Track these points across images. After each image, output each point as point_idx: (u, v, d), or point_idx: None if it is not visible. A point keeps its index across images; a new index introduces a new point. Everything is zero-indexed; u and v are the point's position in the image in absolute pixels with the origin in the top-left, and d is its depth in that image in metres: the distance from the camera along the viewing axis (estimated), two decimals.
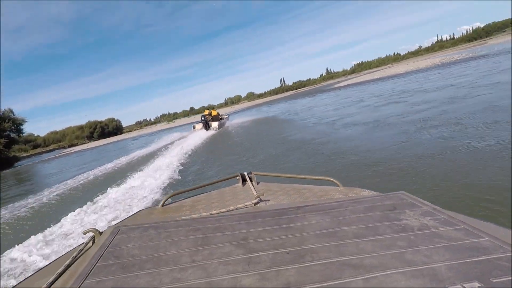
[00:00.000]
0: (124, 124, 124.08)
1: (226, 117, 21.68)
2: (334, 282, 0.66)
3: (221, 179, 1.86)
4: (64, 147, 68.25)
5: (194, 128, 19.35)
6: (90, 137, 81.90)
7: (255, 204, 1.32)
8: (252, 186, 1.60)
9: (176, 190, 1.83)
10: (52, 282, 0.81)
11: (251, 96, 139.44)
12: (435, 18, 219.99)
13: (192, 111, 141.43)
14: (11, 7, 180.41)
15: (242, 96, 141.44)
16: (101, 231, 1.11)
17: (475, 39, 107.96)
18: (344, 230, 0.91)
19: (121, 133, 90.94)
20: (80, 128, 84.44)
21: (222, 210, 1.25)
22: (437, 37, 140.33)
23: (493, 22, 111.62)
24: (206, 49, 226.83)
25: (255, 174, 1.73)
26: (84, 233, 1.10)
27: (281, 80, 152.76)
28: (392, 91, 16.71)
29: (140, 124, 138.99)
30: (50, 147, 70.62)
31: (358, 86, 32.53)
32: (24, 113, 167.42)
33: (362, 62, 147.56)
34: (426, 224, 0.89)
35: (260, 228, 0.98)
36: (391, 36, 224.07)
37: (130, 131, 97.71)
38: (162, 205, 1.49)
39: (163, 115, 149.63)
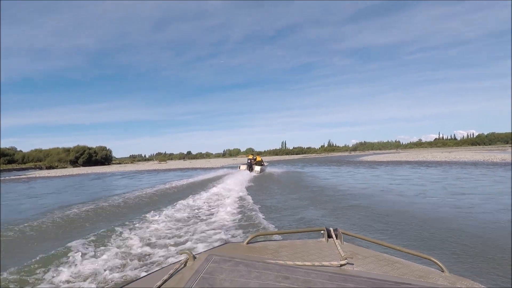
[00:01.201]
0: (119, 155, 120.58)
1: (266, 164, 24.57)
2: None
3: (305, 230, 1.75)
4: (41, 168, 63.60)
5: (239, 168, 22.92)
6: (75, 162, 77.47)
7: (341, 265, 1.18)
8: (337, 245, 1.44)
9: (261, 231, 1.89)
10: None
11: (250, 152, 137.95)
12: (433, 116, 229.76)
13: (188, 155, 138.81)
14: (44, 32, 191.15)
15: (241, 150, 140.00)
16: (194, 254, 1.14)
17: (478, 144, 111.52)
18: None
19: (109, 164, 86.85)
20: (67, 150, 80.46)
21: (306, 263, 1.16)
22: (438, 134, 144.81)
23: (493, 132, 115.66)
24: (212, 100, 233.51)
25: (342, 232, 1.56)
26: (180, 254, 1.16)
27: (282, 143, 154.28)
28: None
29: (134, 159, 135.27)
30: (26, 165, 65.93)
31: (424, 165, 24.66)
32: (24, 128, 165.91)
33: (364, 142, 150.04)
34: None
35: None
36: (389, 124, 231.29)
37: (119, 163, 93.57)
38: (247, 243, 1.44)
39: (158, 154, 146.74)
